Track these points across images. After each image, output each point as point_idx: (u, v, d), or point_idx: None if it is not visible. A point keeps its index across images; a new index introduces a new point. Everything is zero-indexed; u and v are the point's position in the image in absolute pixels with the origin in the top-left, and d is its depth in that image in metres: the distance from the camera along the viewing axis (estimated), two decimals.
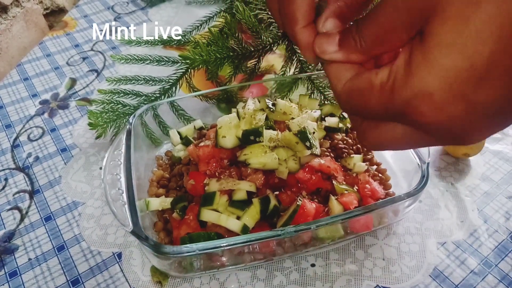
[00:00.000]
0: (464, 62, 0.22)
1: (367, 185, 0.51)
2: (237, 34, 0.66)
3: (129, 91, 0.67)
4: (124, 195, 0.46)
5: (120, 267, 0.52)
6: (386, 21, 0.26)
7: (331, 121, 0.58)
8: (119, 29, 0.94)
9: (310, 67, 0.70)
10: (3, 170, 0.64)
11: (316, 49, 0.31)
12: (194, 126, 0.62)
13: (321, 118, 0.58)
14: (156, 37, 0.82)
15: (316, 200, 0.49)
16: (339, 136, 0.58)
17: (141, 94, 0.67)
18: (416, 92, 0.24)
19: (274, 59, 0.82)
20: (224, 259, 0.47)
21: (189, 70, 0.65)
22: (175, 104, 0.62)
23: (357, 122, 0.31)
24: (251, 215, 0.46)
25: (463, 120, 0.24)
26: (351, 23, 0.29)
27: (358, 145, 0.58)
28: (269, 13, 0.66)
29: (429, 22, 0.23)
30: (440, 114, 0.24)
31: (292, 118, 0.52)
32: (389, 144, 0.30)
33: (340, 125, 0.59)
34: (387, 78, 0.26)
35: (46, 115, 0.73)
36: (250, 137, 0.49)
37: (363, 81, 0.28)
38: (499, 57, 0.21)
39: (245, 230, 0.45)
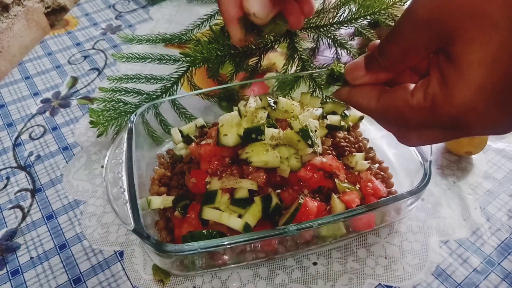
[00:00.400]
0: (497, 75, 0.25)
1: (369, 184, 0.51)
2: None
3: (130, 89, 0.67)
4: (126, 193, 0.46)
5: (122, 266, 0.52)
6: (406, 41, 0.29)
7: (333, 119, 0.58)
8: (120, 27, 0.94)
9: (311, 65, 0.69)
10: (5, 168, 0.64)
11: (348, 77, 0.35)
12: (196, 125, 0.62)
13: (323, 116, 0.58)
14: (157, 35, 0.82)
15: (318, 198, 0.49)
16: (341, 134, 0.58)
17: (143, 92, 0.67)
18: (461, 109, 0.27)
19: (276, 57, 0.82)
20: (226, 257, 0.47)
21: (190, 68, 0.65)
22: (177, 102, 0.62)
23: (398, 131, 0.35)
24: (253, 214, 0.46)
25: (503, 121, 0.27)
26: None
27: (360, 143, 0.58)
28: None
29: (454, 43, 0.26)
30: (485, 121, 0.27)
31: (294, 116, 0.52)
32: (431, 142, 0.33)
33: (342, 123, 0.59)
34: (424, 99, 0.28)
35: (47, 113, 0.73)
36: (251, 135, 0.49)
37: (399, 101, 0.31)
38: None
39: (247, 228, 0.45)
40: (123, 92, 0.66)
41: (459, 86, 0.26)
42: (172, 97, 0.62)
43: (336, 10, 0.70)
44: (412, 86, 0.31)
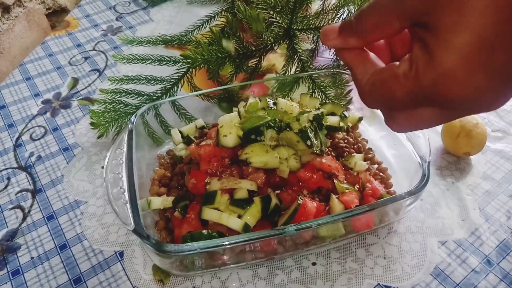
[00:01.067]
0: (472, 36, 0.25)
1: (368, 184, 0.51)
2: (238, 34, 0.66)
3: (131, 90, 0.67)
4: (126, 194, 0.46)
5: (122, 266, 0.52)
6: (386, 9, 0.30)
7: (332, 120, 0.58)
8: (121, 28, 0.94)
9: (311, 66, 0.70)
10: (6, 169, 0.64)
11: (321, 37, 0.35)
12: (196, 125, 0.63)
13: None
14: (158, 37, 0.83)
15: (317, 199, 0.49)
16: (340, 135, 0.58)
17: (143, 93, 0.67)
18: (440, 73, 0.27)
19: (275, 58, 0.82)
20: (225, 257, 0.47)
21: (191, 69, 0.66)
22: (177, 103, 0.62)
23: (386, 110, 0.34)
24: (252, 214, 0.46)
25: (486, 88, 0.27)
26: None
27: (359, 144, 0.58)
28: (271, 13, 0.67)
29: (430, 13, 0.27)
30: (465, 86, 0.27)
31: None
32: (418, 126, 0.33)
33: (341, 124, 0.59)
34: (409, 67, 0.29)
35: (48, 114, 0.74)
36: (251, 136, 0.49)
37: (386, 73, 0.31)
38: (503, 25, 0.24)
39: (246, 228, 0.45)
40: (123, 94, 0.67)
41: (437, 50, 0.27)
42: (172, 98, 0.62)
43: (335, 11, 0.70)
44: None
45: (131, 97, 0.67)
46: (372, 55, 0.34)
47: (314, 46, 0.80)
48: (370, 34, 0.32)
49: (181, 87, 0.68)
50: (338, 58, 0.36)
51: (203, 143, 0.53)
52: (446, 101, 0.28)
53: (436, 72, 0.27)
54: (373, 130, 0.62)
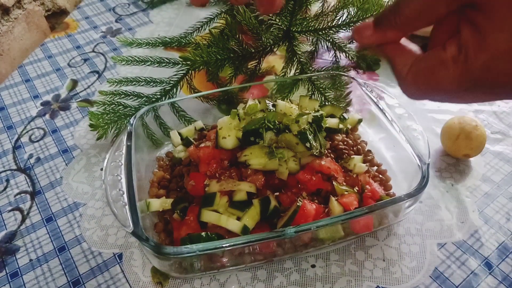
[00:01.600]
0: None
1: (367, 186, 0.51)
2: (237, 36, 0.66)
3: (130, 92, 0.67)
4: (125, 196, 0.46)
5: (121, 268, 0.52)
6: None
7: (332, 122, 0.58)
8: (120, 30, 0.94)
9: (310, 68, 0.70)
10: (5, 171, 0.64)
11: (355, 37, 0.33)
12: (195, 127, 0.62)
13: None
14: (157, 39, 0.83)
15: (316, 201, 0.49)
16: (339, 137, 0.58)
17: (142, 95, 0.67)
18: (492, 56, 0.25)
19: (275, 60, 0.82)
20: (224, 259, 0.47)
21: (190, 71, 0.66)
22: (176, 105, 0.63)
23: (429, 98, 0.32)
24: (251, 216, 0.46)
25: None
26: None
27: (358, 146, 0.58)
28: (270, 15, 0.67)
29: None
30: None
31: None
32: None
33: (341, 126, 0.59)
34: (458, 51, 0.27)
35: (47, 116, 0.74)
36: (250, 138, 0.49)
37: (432, 59, 0.29)
38: None
39: (245, 231, 0.45)
40: (122, 95, 0.67)
41: (491, 32, 0.25)
42: (172, 100, 0.62)
43: (334, 13, 0.70)
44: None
45: (130, 99, 0.67)
46: (409, 44, 0.33)
47: (314, 48, 0.80)
48: (411, 24, 0.30)
49: (181, 89, 0.68)
50: (371, 50, 0.34)
51: (202, 145, 0.53)
52: (495, 86, 0.27)
53: (488, 55, 0.25)
54: (372, 132, 0.62)
